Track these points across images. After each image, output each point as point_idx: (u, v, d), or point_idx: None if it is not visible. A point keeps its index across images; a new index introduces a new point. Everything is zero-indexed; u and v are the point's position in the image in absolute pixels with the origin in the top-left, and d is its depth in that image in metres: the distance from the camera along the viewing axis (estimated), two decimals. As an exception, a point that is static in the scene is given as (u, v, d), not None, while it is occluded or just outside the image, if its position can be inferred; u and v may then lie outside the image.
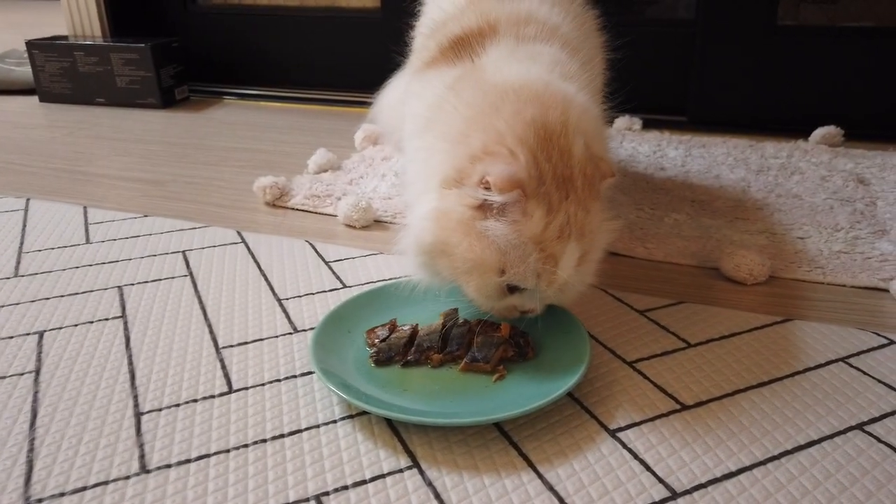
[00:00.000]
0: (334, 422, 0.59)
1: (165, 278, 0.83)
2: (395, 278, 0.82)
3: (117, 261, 0.88)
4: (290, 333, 0.72)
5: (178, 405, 0.61)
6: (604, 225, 0.65)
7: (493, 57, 0.71)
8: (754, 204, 1.05)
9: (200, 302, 0.78)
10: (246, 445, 0.56)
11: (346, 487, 0.52)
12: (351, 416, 0.59)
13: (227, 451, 0.56)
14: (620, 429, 0.58)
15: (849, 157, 1.24)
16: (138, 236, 0.95)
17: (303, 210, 1.05)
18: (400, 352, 0.65)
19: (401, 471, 0.54)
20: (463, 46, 0.74)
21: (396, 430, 0.58)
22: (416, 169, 0.73)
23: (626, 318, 0.74)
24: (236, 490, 0.52)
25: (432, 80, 0.74)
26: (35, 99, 1.76)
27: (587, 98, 0.69)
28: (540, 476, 0.53)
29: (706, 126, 1.47)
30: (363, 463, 0.54)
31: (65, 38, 1.77)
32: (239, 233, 0.96)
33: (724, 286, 0.82)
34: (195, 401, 0.61)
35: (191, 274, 0.84)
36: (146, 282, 0.82)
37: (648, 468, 0.53)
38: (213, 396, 0.62)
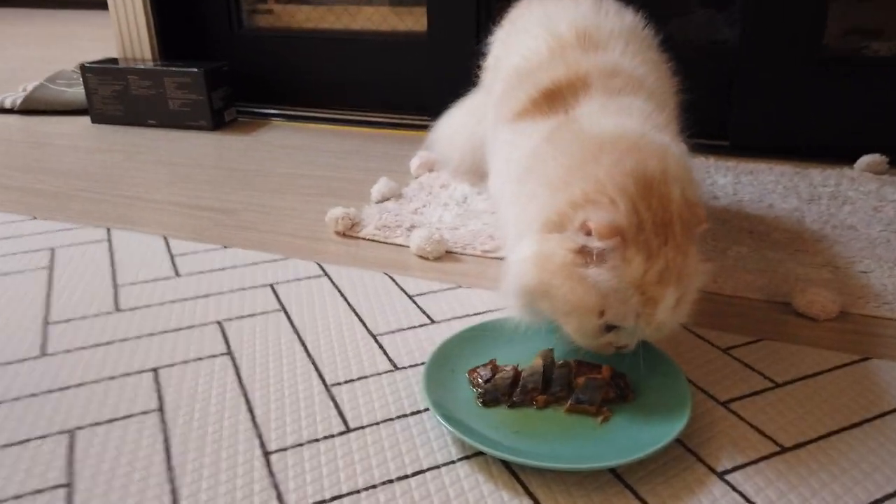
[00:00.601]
0: (453, 462, 0.62)
1: (260, 313, 0.87)
2: (482, 312, 0.86)
3: (209, 294, 0.91)
4: (392, 371, 0.75)
5: (301, 444, 0.64)
6: (699, 267, 0.68)
7: (587, 110, 0.75)
8: (812, 236, 1.08)
9: (300, 337, 0.81)
10: (374, 486, 0.60)
11: (479, 529, 0.55)
12: (467, 457, 0.63)
13: (358, 491, 0.59)
14: (727, 471, 0.61)
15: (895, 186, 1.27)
16: (224, 269, 0.98)
17: (374, 240, 1.09)
18: (506, 392, 0.69)
19: (527, 512, 0.57)
20: (555, 98, 0.77)
21: (514, 472, 0.61)
22: (516, 213, 0.76)
23: (711, 357, 0.78)
24: (377, 531, 0.55)
25: (526, 130, 0.78)
26: (86, 120, 1.80)
27: (680, 148, 0.73)
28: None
29: (748, 151, 1.50)
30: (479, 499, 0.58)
31: (115, 60, 1.81)
32: (320, 265, 0.99)
33: (797, 322, 0.86)
34: (317, 440, 0.65)
35: (283, 308, 0.88)
36: (242, 316, 0.86)
37: (761, 511, 0.57)
38: (332, 436, 0.66)
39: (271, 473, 0.61)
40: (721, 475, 0.61)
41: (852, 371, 0.75)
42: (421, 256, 1.03)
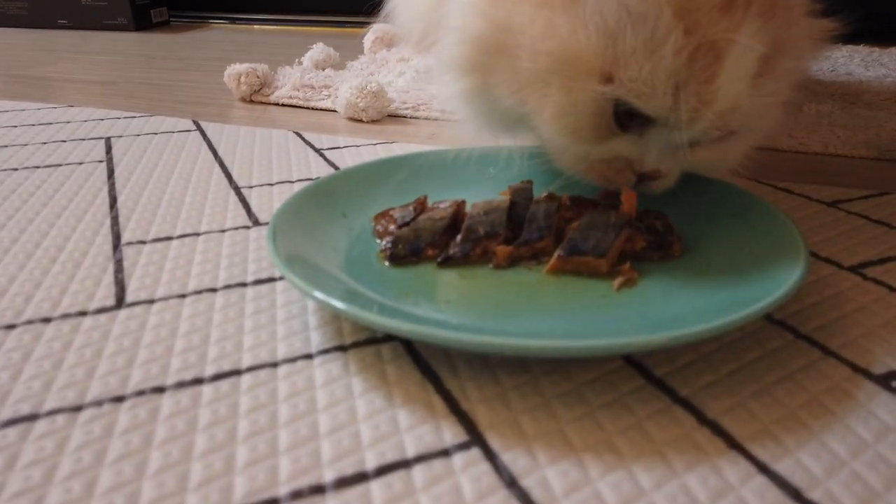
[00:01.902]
0: (308, 356, 0.30)
1: (73, 163, 0.54)
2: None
3: (27, 144, 0.59)
4: (247, 227, 0.43)
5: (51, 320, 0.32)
6: (808, 11, 0.36)
7: None
8: (921, 97, 0.75)
9: (112, 190, 0.49)
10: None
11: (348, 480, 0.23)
12: (342, 348, 0.30)
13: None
14: (893, 373, 0.28)
15: None
16: (51, 123, 0.66)
17: (290, 105, 0.76)
18: (434, 241, 0.36)
19: (446, 452, 0.24)
20: None
21: (432, 372, 0.28)
22: None
23: (810, 211, 0.44)
24: None
25: None
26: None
27: None
28: (754, 461, 0.23)
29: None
30: (367, 442, 0.25)
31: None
32: (195, 122, 0.67)
33: (937, 179, 0.52)
34: (83, 314, 0.32)
35: (109, 161, 0.55)
36: (56, 165, 0.54)
37: None
38: (101, 310, 0.33)
39: None
40: (884, 380, 0.28)
41: None
42: (353, 118, 0.70)
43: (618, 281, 0.33)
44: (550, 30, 0.32)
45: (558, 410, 0.26)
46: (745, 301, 0.28)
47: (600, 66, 0.32)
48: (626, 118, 0.33)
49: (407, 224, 0.37)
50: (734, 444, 0.24)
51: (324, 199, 0.39)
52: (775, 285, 0.29)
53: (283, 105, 0.76)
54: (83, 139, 0.61)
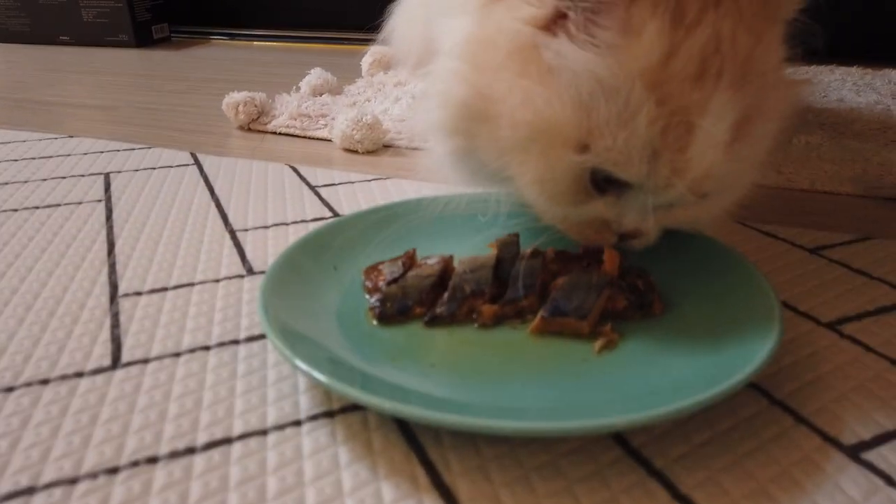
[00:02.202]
0: (297, 423, 0.31)
1: (75, 203, 0.55)
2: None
3: (28, 181, 0.60)
4: (241, 277, 0.44)
5: (31, 384, 0.33)
6: (784, 74, 0.36)
7: None
8: (910, 127, 0.76)
9: (109, 235, 0.50)
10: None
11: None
12: (329, 414, 0.31)
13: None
14: (866, 444, 0.29)
15: None
16: (49, 157, 0.67)
17: (287, 134, 0.77)
18: (422, 299, 0.37)
19: (427, 530, 0.25)
20: None
21: (416, 442, 0.29)
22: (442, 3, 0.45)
23: (792, 259, 0.45)
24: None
25: None
26: (-11, 39, 1.49)
27: None
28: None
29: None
30: (348, 511, 0.26)
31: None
32: (193, 154, 0.68)
33: (922, 220, 0.53)
34: (81, 375, 0.34)
35: (107, 199, 0.56)
36: (53, 205, 0.55)
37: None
38: (97, 371, 0.34)
39: (-79, 442, 0.30)
40: (854, 452, 0.28)
41: None
42: (349, 150, 0.71)
43: (598, 343, 0.34)
44: (528, 100, 0.33)
45: (536, 484, 0.27)
46: (723, 370, 0.29)
47: (576, 136, 0.33)
48: (603, 183, 0.34)
49: (395, 281, 0.38)
50: (704, 521, 0.25)
51: (316, 251, 0.40)
52: (752, 353, 0.30)
53: (280, 134, 0.77)
54: (82, 175, 0.62)
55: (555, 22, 0.33)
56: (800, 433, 0.29)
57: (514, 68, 0.34)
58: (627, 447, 0.29)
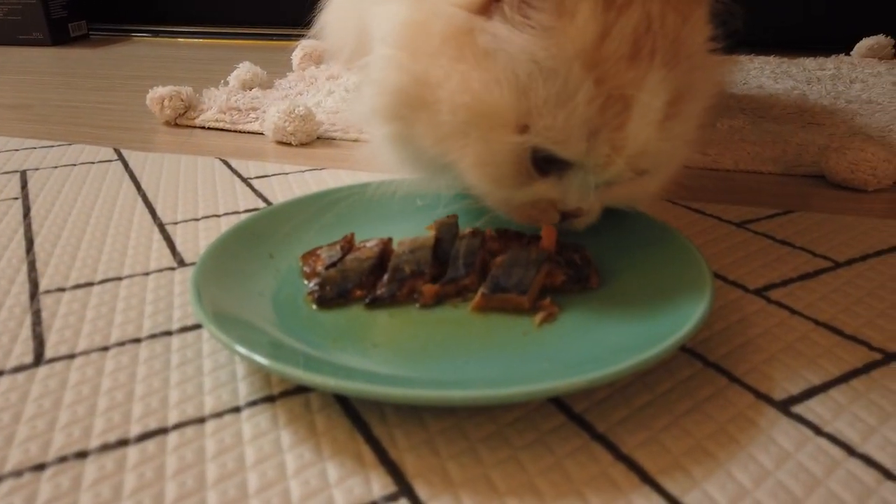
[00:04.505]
0: (236, 410, 0.30)
1: (-17, 203, 0.52)
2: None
3: (-85, 185, 0.56)
4: (172, 269, 0.42)
5: (-72, 393, 0.31)
6: (709, 53, 0.38)
7: None
8: (823, 109, 0.80)
9: (28, 231, 0.47)
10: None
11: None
12: (270, 399, 0.30)
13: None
14: (794, 399, 0.30)
15: (911, 68, 1.00)
16: (-39, 156, 0.63)
17: (216, 128, 0.75)
18: (362, 282, 0.36)
19: (374, 505, 0.25)
20: None
21: (361, 420, 0.29)
22: None
23: (720, 233, 0.47)
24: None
25: None
26: None
27: None
28: (665, 494, 0.25)
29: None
30: (297, 499, 0.25)
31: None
32: (117, 150, 0.65)
33: (836, 195, 0.56)
34: (-36, 383, 0.32)
35: (23, 196, 0.54)
36: (-51, 208, 0.52)
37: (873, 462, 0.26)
38: (19, 368, 0.32)
39: None
40: (785, 406, 0.30)
41: (950, 243, 0.45)
42: (282, 142, 0.70)
43: (539, 317, 0.34)
44: (466, 84, 0.33)
45: (483, 454, 0.27)
46: (658, 335, 0.30)
47: (515, 118, 0.33)
48: (545, 163, 0.35)
49: (334, 265, 0.37)
50: (647, 479, 0.26)
51: (250, 240, 0.39)
52: (685, 318, 0.31)
53: (209, 129, 0.75)
54: (-4, 173, 0.59)
55: (489, 5, 0.34)
56: (733, 392, 0.30)
57: (450, 53, 0.34)
58: (570, 413, 0.29)
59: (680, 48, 0.34)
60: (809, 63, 1.05)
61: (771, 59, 1.09)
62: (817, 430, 0.28)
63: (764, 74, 0.99)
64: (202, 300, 0.32)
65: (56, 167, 0.60)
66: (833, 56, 1.09)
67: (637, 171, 0.35)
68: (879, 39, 1.08)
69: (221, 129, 0.75)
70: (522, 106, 0.33)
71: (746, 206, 0.52)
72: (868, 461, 0.26)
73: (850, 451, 0.27)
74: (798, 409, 0.29)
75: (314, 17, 0.97)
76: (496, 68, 0.33)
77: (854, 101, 0.83)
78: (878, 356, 0.33)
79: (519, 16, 0.33)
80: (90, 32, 1.45)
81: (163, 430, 0.28)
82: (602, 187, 0.36)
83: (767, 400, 0.30)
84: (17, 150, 0.65)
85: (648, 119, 0.33)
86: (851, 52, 1.11)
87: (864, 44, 1.09)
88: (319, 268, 0.37)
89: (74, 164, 0.61)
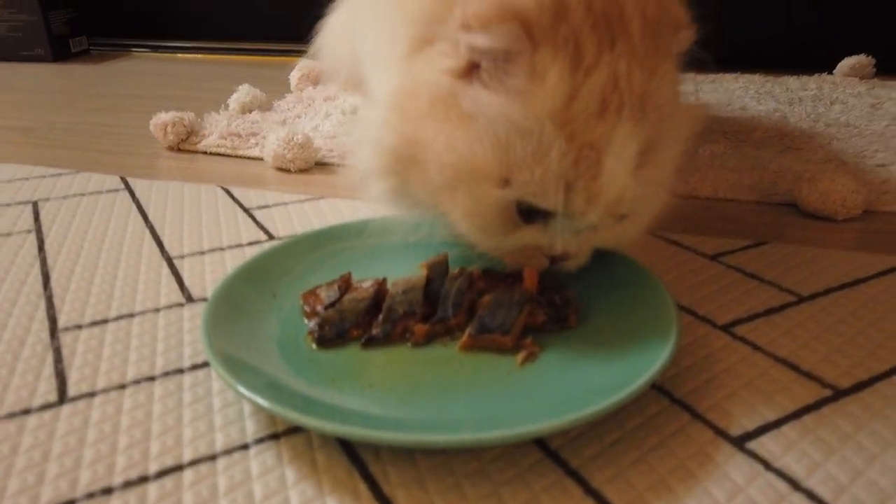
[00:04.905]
0: (244, 447, 0.33)
1: (1, 234, 0.55)
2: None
3: (-68, 217, 0.59)
4: (181, 305, 0.45)
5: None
6: (680, 103, 0.41)
7: None
8: (802, 133, 0.83)
9: (43, 266, 0.50)
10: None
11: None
12: (275, 437, 0.33)
13: (36, 514, 0.29)
14: (750, 435, 0.33)
15: (891, 88, 1.03)
16: (-26, 186, 0.66)
17: (218, 154, 0.78)
18: (359, 322, 0.39)
19: (370, 539, 0.28)
20: None
21: (357, 458, 0.32)
22: (371, 48, 0.48)
23: (694, 266, 0.50)
24: None
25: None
26: None
27: None
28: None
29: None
30: (297, 526, 0.28)
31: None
32: (123, 179, 0.68)
33: (808, 224, 0.59)
34: (27, 412, 0.35)
35: (37, 229, 0.56)
36: (-33, 242, 0.54)
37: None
38: (45, 407, 0.35)
39: None
40: (740, 442, 0.33)
41: (907, 277, 0.49)
42: (281, 169, 0.73)
43: (521, 356, 0.37)
44: (451, 144, 0.37)
45: (467, 490, 0.30)
46: (629, 374, 0.33)
47: (497, 173, 0.36)
48: (529, 213, 0.38)
49: (333, 305, 0.40)
50: (612, 511, 0.29)
51: (254, 280, 0.42)
52: (653, 359, 0.34)
53: (210, 154, 0.78)
54: (9, 204, 0.62)
55: (470, 72, 0.37)
56: (695, 428, 0.34)
57: (437, 115, 0.37)
58: (547, 450, 0.32)
59: (647, 101, 0.37)
60: (793, 83, 1.09)
61: (756, 77, 1.12)
62: (767, 466, 0.31)
63: (748, 94, 1.02)
64: (211, 341, 0.35)
65: (66, 197, 0.63)
66: (816, 75, 1.13)
67: (615, 216, 0.38)
68: (861, 59, 1.12)
69: (223, 155, 0.78)
70: (503, 162, 0.36)
71: (722, 237, 0.55)
72: (810, 495, 0.30)
73: (794, 485, 0.30)
74: (752, 444, 0.32)
75: (312, 36, 1.00)
76: (478, 129, 0.36)
77: (833, 125, 0.86)
78: (828, 392, 0.36)
79: (495, 81, 0.36)
80: (90, 47, 1.47)
81: (178, 468, 0.31)
82: (585, 232, 0.39)
83: (725, 436, 0.33)
84: (27, 178, 0.68)
85: (620, 168, 0.36)
86: (835, 71, 1.14)
87: (847, 63, 1.13)
88: (319, 308, 0.40)
89: (83, 195, 0.64)
